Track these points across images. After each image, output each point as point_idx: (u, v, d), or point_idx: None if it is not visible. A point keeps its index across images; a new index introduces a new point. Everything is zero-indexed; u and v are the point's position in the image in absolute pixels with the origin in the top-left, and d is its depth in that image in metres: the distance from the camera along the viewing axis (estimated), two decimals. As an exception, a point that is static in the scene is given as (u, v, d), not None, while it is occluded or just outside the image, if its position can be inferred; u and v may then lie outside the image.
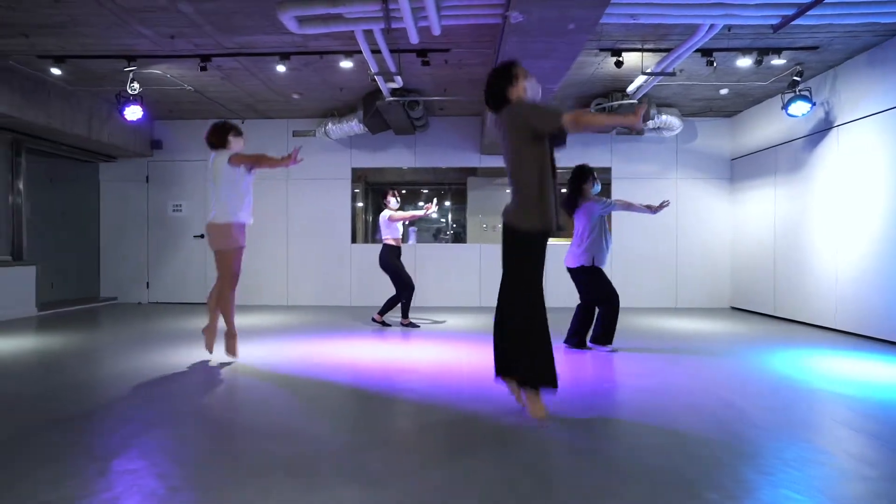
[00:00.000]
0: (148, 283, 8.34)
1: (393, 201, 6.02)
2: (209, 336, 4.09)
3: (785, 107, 5.92)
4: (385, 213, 5.98)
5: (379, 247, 6.01)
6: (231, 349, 4.09)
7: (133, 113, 6.09)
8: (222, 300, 4.00)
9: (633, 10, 3.90)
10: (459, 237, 11.92)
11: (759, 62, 5.37)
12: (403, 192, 7.89)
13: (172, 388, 3.40)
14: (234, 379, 3.63)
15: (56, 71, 5.75)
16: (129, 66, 5.66)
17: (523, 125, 2.70)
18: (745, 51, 5.33)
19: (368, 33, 4.75)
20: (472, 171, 10.47)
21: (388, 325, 6.01)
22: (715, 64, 5.43)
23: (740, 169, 7.84)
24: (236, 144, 4.05)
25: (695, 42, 4.51)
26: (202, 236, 8.30)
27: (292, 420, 2.78)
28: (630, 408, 3.08)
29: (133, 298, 8.34)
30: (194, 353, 4.33)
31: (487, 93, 2.86)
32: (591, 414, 2.89)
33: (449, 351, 4.62)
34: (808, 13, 3.86)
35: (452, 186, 12.08)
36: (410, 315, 6.16)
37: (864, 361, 4.28)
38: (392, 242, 5.92)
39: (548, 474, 2.13)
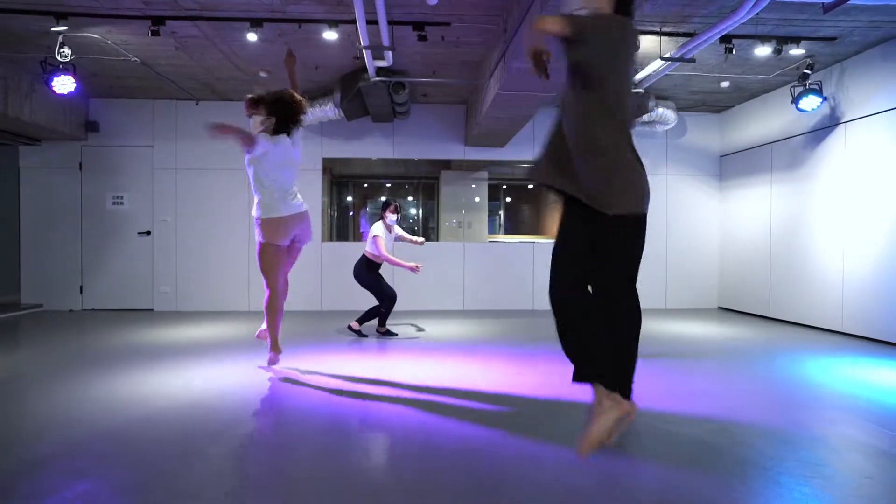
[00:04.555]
0: (81, 288, 7.18)
1: (392, 217, 5.37)
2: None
3: (795, 101, 5.65)
4: (377, 228, 5.33)
5: (352, 245, 5.28)
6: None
7: (63, 85, 5.06)
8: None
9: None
10: (429, 236, 11.25)
11: (778, 51, 5.05)
12: (389, 185, 7.11)
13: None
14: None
15: (-38, 29, 4.66)
16: (59, 26, 4.65)
17: None
18: (765, 38, 4.99)
19: (365, -6, 4.03)
20: (447, 165, 9.84)
21: (365, 336, 5.33)
22: (734, 51, 5.07)
23: (730, 166, 7.63)
24: (257, 117, 3.67)
25: (734, 20, 4.06)
26: (148, 233, 7.24)
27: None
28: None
29: (62, 305, 7.16)
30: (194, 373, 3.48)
31: None
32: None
33: (446, 369, 3.99)
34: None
35: (423, 181, 11.40)
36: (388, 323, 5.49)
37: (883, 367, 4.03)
38: (371, 258, 5.31)
39: None
